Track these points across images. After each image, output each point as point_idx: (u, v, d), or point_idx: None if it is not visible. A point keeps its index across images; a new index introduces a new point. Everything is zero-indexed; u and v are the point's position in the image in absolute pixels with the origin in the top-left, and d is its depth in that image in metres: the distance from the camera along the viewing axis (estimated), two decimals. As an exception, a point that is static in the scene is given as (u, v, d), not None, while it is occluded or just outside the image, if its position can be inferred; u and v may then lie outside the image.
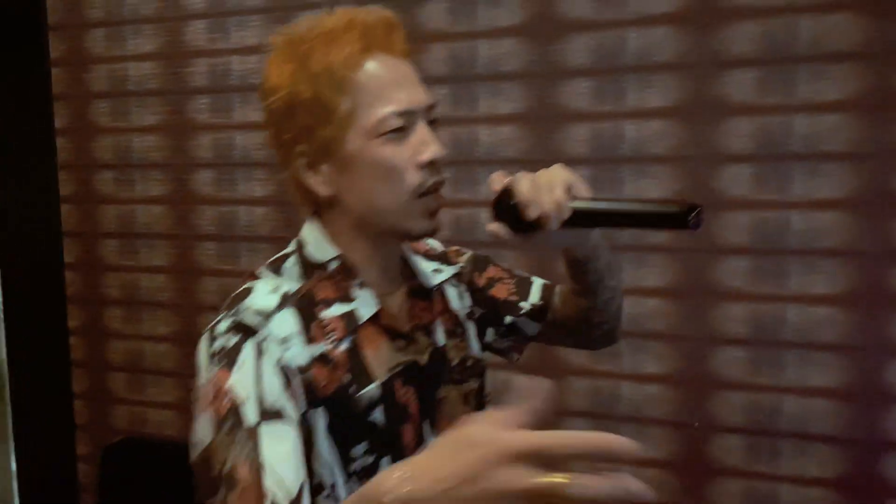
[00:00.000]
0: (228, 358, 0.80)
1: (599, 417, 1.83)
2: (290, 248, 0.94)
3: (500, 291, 1.08)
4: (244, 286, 0.89)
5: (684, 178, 1.72)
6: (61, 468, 2.48)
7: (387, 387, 0.89)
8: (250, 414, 0.78)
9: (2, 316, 2.54)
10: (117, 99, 2.25)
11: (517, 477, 0.50)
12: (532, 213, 0.83)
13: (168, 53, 2.17)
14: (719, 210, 1.70)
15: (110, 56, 2.24)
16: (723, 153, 1.69)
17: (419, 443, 0.93)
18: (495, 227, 0.86)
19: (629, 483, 0.49)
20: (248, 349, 0.81)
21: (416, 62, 0.90)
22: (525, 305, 1.07)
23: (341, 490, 0.86)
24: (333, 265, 0.90)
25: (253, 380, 0.79)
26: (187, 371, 2.26)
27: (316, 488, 0.85)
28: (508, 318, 1.07)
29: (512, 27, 1.82)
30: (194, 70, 2.14)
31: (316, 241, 0.91)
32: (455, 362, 0.99)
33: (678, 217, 0.78)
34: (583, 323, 1.05)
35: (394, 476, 0.57)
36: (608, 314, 1.04)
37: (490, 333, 1.08)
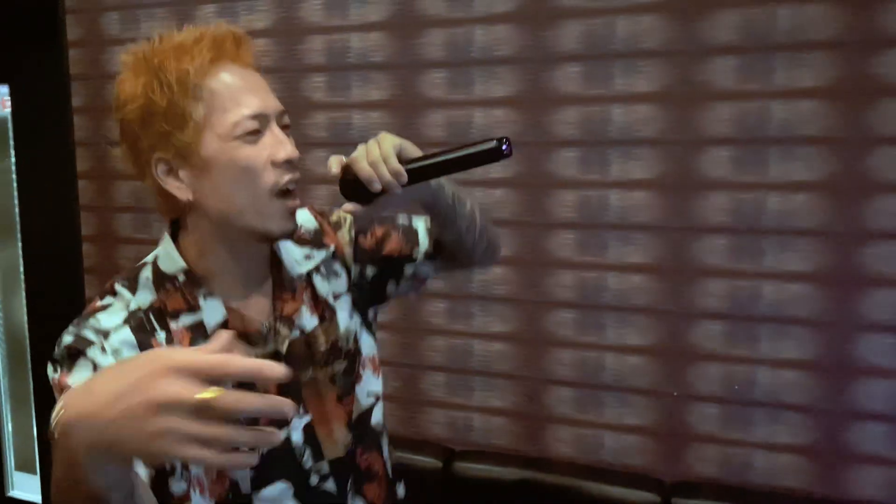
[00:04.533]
0: (67, 365, 0.89)
1: (584, 386, 1.94)
2: (150, 257, 1.00)
3: (392, 247, 1.14)
4: (100, 302, 0.95)
5: (668, 160, 1.81)
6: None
7: (239, 384, 0.97)
8: None
9: (23, 284, 2.67)
10: (131, 79, 2.35)
11: (176, 388, 0.57)
12: (376, 188, 0.91)
13: (179, 36, 2.26)
14: (700, 190, 1.79)
15: (125, 38, 2.34)
16: (704, 137, 1.77)
17: (280, 424, 0.99)
18: (349, 207, 0.95)
19: (280, 403, 0.60)
20: (83, 361, 0.88)
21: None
22: (418, 253, 1.14)
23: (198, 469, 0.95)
24: (181, 277, 0.96)
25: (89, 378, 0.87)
26: (198, 339, 2.38)
27: (169, 471, 0.94)
28: (408, 269, 1.15)
29: (506, 13, 1.90)
30: (204, 52, 2.24)
31: (166, 253, 0.98)
32: (324, 347, 1.06)
33: (493, 151, 0.91)
34: (460, 250, 1.12)
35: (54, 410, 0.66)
36: (474, 237, 1.11)
37: (391, 286, 1.16)
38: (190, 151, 0.91)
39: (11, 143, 2.61)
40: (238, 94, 0.91)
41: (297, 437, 1.03)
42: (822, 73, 1.67)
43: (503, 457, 1.99)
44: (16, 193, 2.63)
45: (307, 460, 1.04)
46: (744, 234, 1.77)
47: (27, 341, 2.70)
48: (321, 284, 1.09)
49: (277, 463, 1.01)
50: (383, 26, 2.01)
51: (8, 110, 2.61)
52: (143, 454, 0.60)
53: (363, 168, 0.91)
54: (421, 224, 1.17)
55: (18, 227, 2.66)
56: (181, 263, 0.97)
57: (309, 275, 1.08)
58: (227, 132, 0.90)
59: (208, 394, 0.57)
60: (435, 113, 1.99)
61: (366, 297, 1.15)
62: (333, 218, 1.16)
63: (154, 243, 2.38)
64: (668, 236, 1.83)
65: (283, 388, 0.99)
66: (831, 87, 1.67)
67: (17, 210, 2.65)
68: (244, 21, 2.17)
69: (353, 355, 1.11)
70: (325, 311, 1.08)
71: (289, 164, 0.93)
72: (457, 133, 1.97)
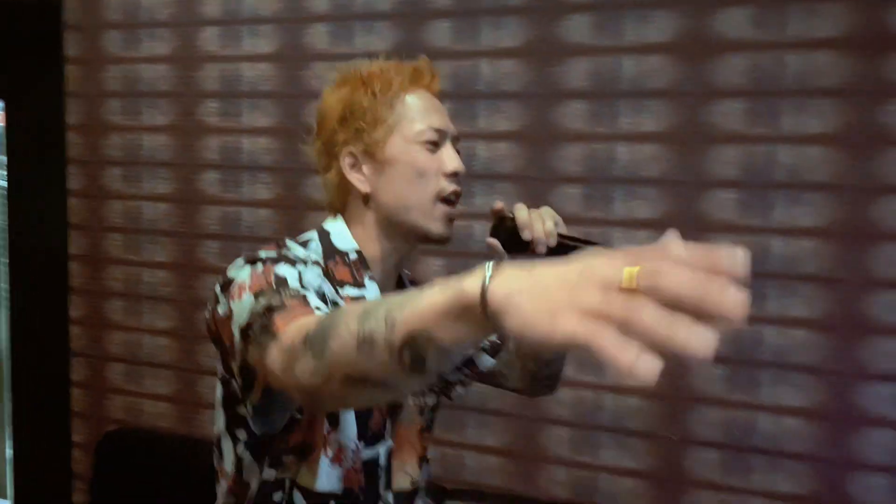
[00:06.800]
0: (273, 262, 0.92)
1: (581, 427, 1.90)
2: (309, 235, 1.06)
3: None
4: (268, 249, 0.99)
5: (672, 200, 1.80)
6: (56, 455, 2.53)
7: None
8: (294, 283, 0.89)
9: (6, 304, 2.60)
10: (129, 99, 2.32)
11: (600, 299, 0.50)
12: (526, 235, 1.03)
13: (181, 57, 2.24)
14: (704, 232, 1.77)
15: (125, 57, 2.31)
16: (709, 178, 1.76)
17: (379, 436, 1.03)
18: (492, 242, 1.06)
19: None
20: (291, 270, 0.91)
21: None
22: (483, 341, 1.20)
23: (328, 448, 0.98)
24: (353, 255, 1.05)
25: (296, 278, 0.90)
26: (184, 365, 2.32)
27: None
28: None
29: (513, 48, 1.90)
30: (206, 74, 2.22)
31: (340, 232, 1.06)
32: None
33: None
34: (531, 362, 1.18)
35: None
36: (556, 359, 1.18)
37: None
38: (376, 149, 1.03)
39: (3, 159, 2.56)
40: (426, 111, 1.05)
41: (382, 459, 1.05)
42: (829, 119, 1.67)
43: (496, 497, 1.94)
44: (6, 210, 2.57)
45: (381, 485, 1.05)
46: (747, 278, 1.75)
47: (7, 361, 2.62)
48: None
49: (372, 480, 1.03)
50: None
51: (1, 125, 2.57)
52: (550, 324, 0.52)
53: (522, 214, 1.04)
54: None
55: (6, 244, 2.60)
56: (354, 244, 1.05)
57: None
58: (413, 136, 1.03)
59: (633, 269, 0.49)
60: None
61: None
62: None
63: (145, 265, 2.33)
64: (670, 277, 1.81)
65: (391, 407, 1.05)
66: (838, 134, 1.67)
67: (4, 226, 2.59)
68: (248, 45, 2.16)
69: (439, 395, 1.19)
70: None
71: (455, 177, 1.04)
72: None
